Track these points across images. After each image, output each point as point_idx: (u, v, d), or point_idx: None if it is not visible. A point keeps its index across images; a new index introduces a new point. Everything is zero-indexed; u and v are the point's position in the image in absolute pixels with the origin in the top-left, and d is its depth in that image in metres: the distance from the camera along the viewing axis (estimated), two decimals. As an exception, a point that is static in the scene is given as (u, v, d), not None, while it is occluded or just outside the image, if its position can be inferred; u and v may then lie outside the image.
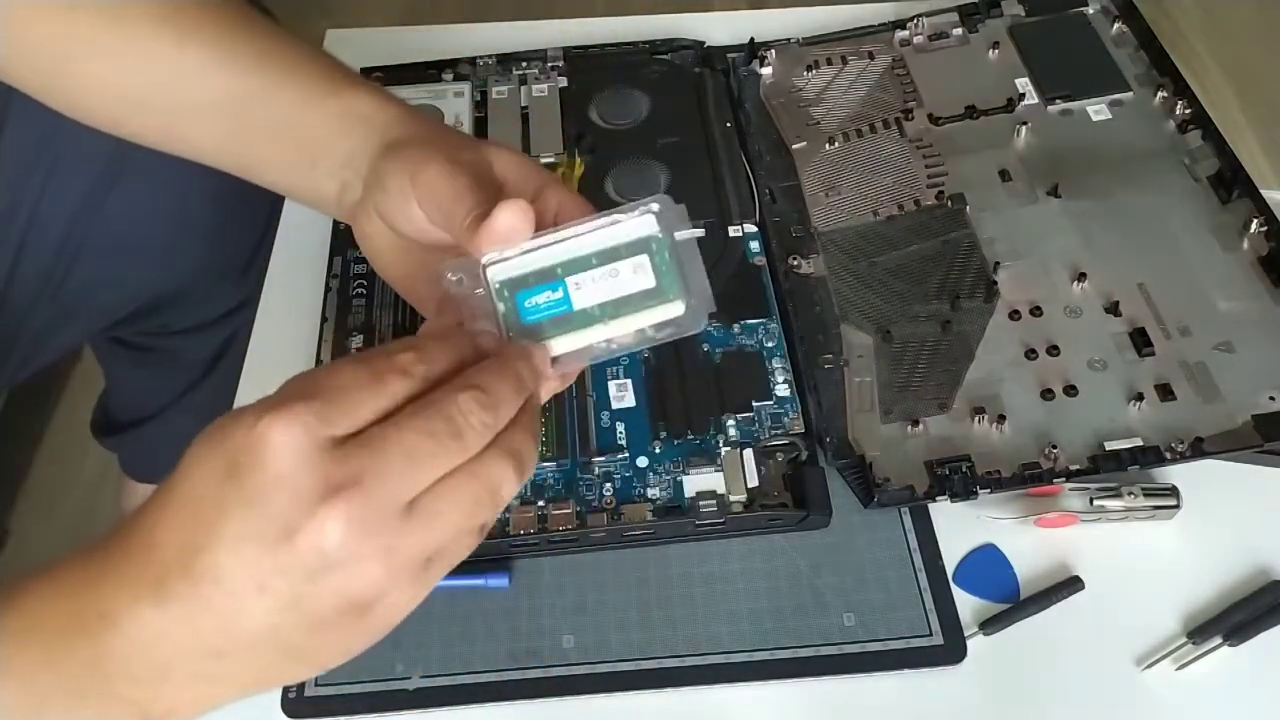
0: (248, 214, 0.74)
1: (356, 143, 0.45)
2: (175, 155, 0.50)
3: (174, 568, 0.31)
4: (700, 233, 0.38)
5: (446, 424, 0.33)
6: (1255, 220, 0.59)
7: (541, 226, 0.39)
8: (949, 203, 0.62)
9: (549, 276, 0.37)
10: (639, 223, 0.37)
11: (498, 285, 0.38)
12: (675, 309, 0.37)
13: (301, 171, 0.47)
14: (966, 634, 0.50)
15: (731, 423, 0.54)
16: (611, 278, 0.37)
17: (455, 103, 0.68)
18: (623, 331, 0.37)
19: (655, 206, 0.38)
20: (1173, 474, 0.53)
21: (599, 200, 0.63)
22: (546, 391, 0.40)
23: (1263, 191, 0.60)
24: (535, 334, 0.37)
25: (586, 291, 0.37)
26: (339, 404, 0.32)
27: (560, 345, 0.38)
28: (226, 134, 0.48)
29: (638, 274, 0.37)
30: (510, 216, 0.37)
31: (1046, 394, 0.55)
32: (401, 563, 0.32)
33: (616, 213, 0.38)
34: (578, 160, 0.65)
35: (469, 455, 0.33)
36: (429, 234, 0.42)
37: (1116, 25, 0.70)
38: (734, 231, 0.62)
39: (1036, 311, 0.58)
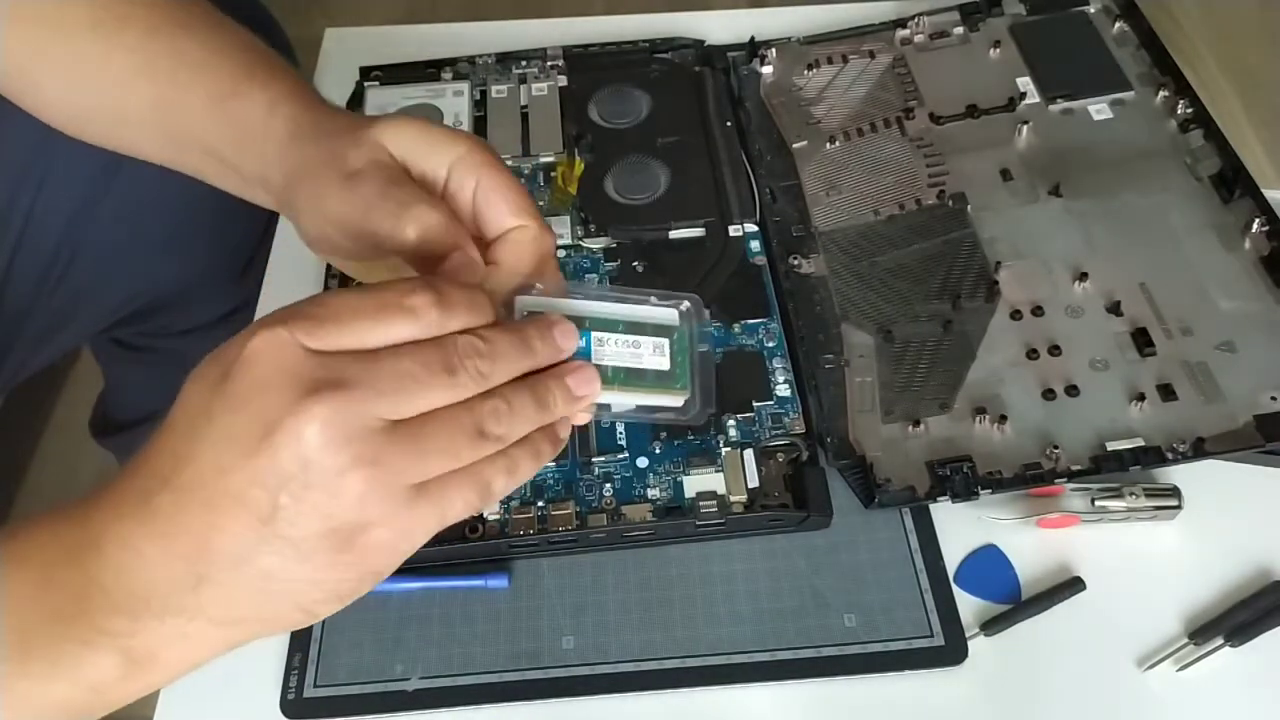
0: (247, 215, 0.74)
1: (256, 157, 0.44)
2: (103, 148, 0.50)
3: (157, 483, 0.31)
4: (710, 347, 0.41)
5: (440, 356, 0.32)
6: (1257, 220, 0.59)
7: (461, 215, 0.39)
8: (950, 202, 0.62)
9: (576, 325, 0.37)
10: (667, 312, 0.40)
11: (524, 314, 0.38)
12: (679, 399, 0.39)
13: (226, 177, 0.46)
14: (968, 635, 0.50)
15: (732, 423, 0.54)
16: (632, 348, 0.38)
17: (455, 101, 0.68)
18: (628, 402, 0.39)
19: (685, 305, 0.40)
20: (1174, 474, 0.53)
21: (599, 200, 0.63)
22: (585, 385, 0.37)
23: (1264, 191, 0.60)
24: None
25: (607, 350, 0.38)
26: (334, 323, 0.31)
27: None
28: (161, 144, 0.48)
29: (656, 355, 0.38)
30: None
31: (1048, 394, 0.54)
32: (385, 483, 0.31)
33: (652, 294, 0.40)
34: (577, 159, 0.65)
35: (459, 396, 0.32)
36: (341, 249, 0.41)
37: (1118, 24, 0.70)
38: (734, 231, 0.62)
39: (1038, 311, 0.58)
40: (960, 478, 0.51)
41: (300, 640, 0.50)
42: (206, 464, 0.31)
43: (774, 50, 0.71)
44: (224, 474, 0.30)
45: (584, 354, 0.37)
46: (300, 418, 0.30)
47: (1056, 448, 0.52)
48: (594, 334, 0.38)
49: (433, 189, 0.40)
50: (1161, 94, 0.66)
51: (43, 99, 0.49)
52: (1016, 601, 0.51)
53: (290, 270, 0.63)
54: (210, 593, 0.31)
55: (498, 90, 0.69)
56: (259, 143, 0.44)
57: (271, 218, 0.66)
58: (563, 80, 0.70)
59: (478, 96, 0.69)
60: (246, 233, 0.75)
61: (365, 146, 0.40)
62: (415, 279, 0.34)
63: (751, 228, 0.62)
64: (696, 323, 0.40)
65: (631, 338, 0.38)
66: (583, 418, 0.38)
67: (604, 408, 0.38)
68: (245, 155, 0.45)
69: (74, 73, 0.47)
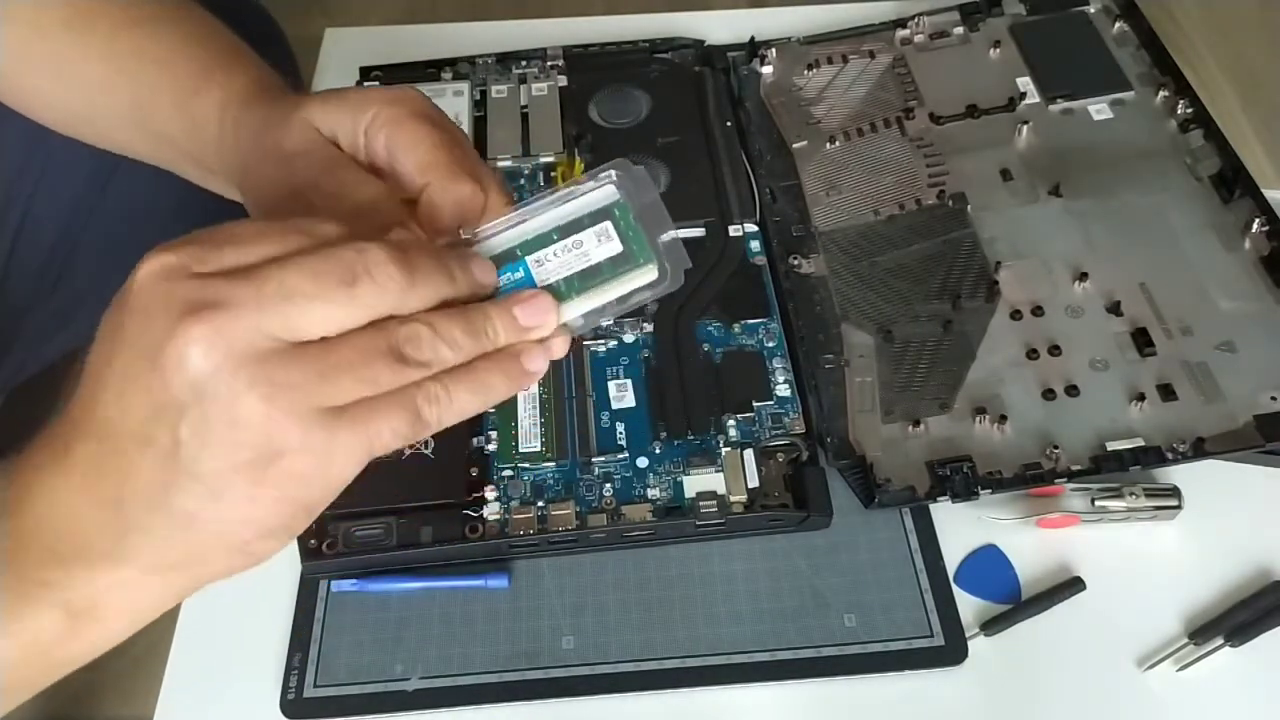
0: (245, 215, 0.74)
1: (214, 158, 0.44)
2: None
3: (74, 432, 0.30)
4: (656, 197, 0.37)
5: (338, 268, 0.29)
6: (1257, 220, 0.59)
7: (389, 180, 0.37)
8: (950, 202, 0.62)
9: (509, 258, 0.36)
10: (600, 192, 0.36)
11: None
12: (648, 273, 0.36)
13: (203, 176, 0.46)
14: (968, 635, 0.50)
15: (732, 423, 0.54)
16: (576, 249, 0.36)
17: (454, 102, 0.68)
18: (598, 303, 0.36)
19: (614, 174, 0.37)
20: (1174, 474, 0.53)
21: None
22: (537, 315, 0.35)
23: (1264, 191, 0.60)
24: None
25: (550, 266, 0.35)
26: (220, 246, 0.30)
27: None
28: (146, 141, 0.48)
29: (604, 242, 0.36)
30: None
31: (1048, 394, 0.54)
32: (289, 406, 0.29)
33: (574, 184, 0.37)
34: (577, 159, 0.65)
35: (362, 312, 0.30)
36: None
37: (1118, 24, 0.70)
38: (734, 231, 0.62)
39: (1038, 311, 0.57)
40: (960, 478, 0.51)
41: (300, 640, 0.50)
42: (111, 407, 0.30)
43: (774, 50, 0.71)
44: (125, 414, 0.29)
45: (529, 282, 0.35)
46: (179, 340, 0.28)
47: (1056, 448, 0.52)
48: (529, 258, 0.35)
49: (358, 154, 0.39)
50: (1161, 94, 0.66)
51: (40, 101, 0.50)
52: (1016, 601, 0.51)
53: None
54: (136, 539, 0.31)
55: (498, 90, 0.69)
56: (215, 143, 0.44)
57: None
58: (563, 80, 0.70)
59: (478, 96, 0.69)
60: None
61: (295, 128, 0.39)
62: (326, 217, 0.32)
63: (751, 228, 0.62)
64: (633, 183, 0.37)
65: (570, 239, 0.36)
66: (560, 347, 0.35)
67: (588, 317, 0.36)
68: (208, 155, 0.44)
69: (59, 74, 0.47)
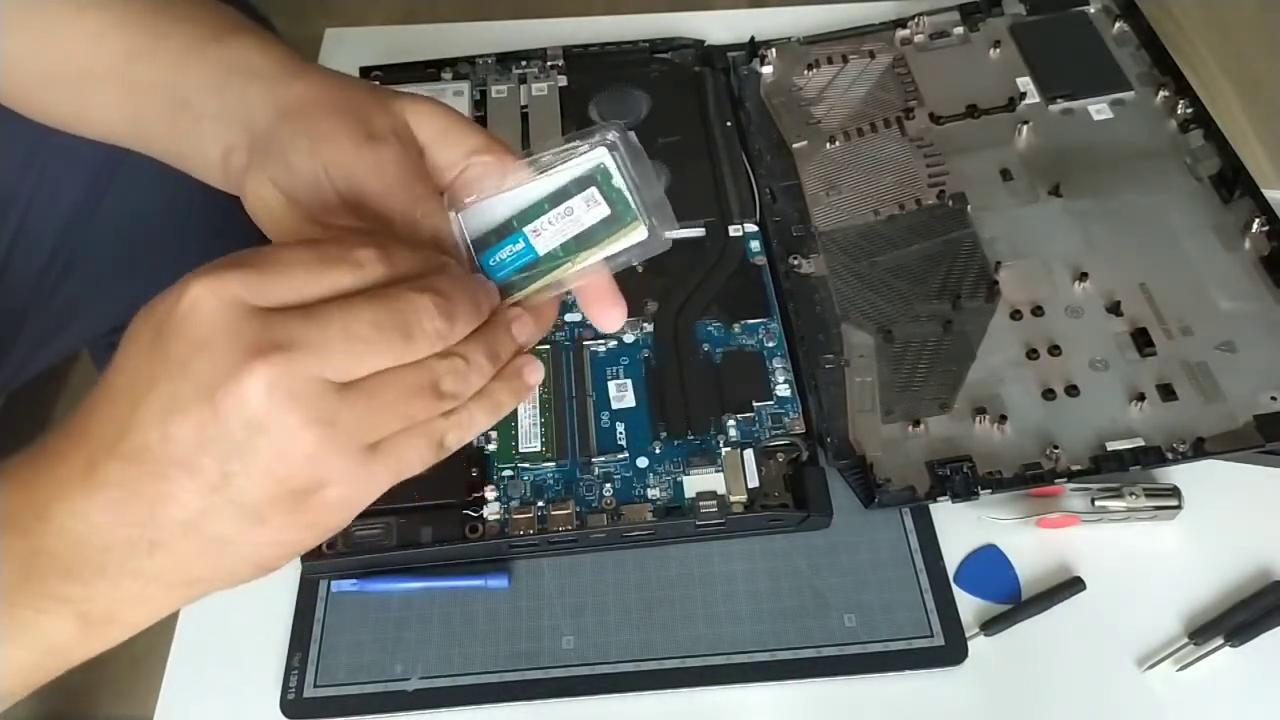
0: (244, 221, 0.74)
1: (236, 96, 0.42)
2: (90, 139, 0.48)
3: (102, 452, 0.30)
4: (645, 159, 0.38)
5: (397, 320, 0.31)
6: (1257, 220, 0.59)
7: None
8: (950, 202, 0.62)
9: (507, 231, 0.37)
10: (589, 157, 0.38)
11: (464, 232, 0.38)
12: (637, 233, 0.37)
13: (185, 131, 0.44)
14: (968, 635, 0.50)
15: (732, 423, 0.54)
16: (567, 216, 0.37)
17: (454, 101, 0.68)
18: (589, 263, 0.37)
19: (608, 135, 0.38)
20: (1174, 474, 0.53)
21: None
22: (527, 329, 0.37)
23: (1264, 191, 0.60)
24: (507, 288, 0.37)
25: (545, 235, 0.37)
26: (274, 276, 0.30)
27: (534, 290, 0.38)
28: (121, 100, 0.46)
29: (592, 206, 0.37)
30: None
31: (1048, 394, 0.54)
32: (338, 445, 0.30)
33: (572, 142, 0.38)
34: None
35: (409, 358, 0.31)
36: (330, 203, 0.39)
37: (1118, 24, 0.70)
38: (734, 231, 0.62)
39: (1038, 311, 0.57)
40: (960, 478, 0.51)
41: (300, 640, 0.50)
42: (152, 432, 0.29)
43: (774, 50, 0.71)
44: (169, 442, 0.29)
45: (530, 254, 0.37)
46: (244, 382, 0.29)
47: (1056, 448, 0.52)
48: (526, 229, 0.37)
49: (440, 176, 0.39)
50: (1161, 94, 0.66)
51: (4, 66, 0.47)
52: (1016, 601, 0.51)
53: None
54: (164, 557, 0.31)
55: (498, 90, 0.69)
56: (243, 81, 0.42)
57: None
58: (563, 80, 0.70)
59: (478, 96, 0.69)
60: (244, 235, 0.74)
61: (390, 115, 0.39)
62: (360, 233, 0.33)
63: (751, 228, 0.62)
64: (624, 146, 0.38)
65: (561, 207, 0.37)
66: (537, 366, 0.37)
67: (584, 275, 0.37)
68: (225, 95, 0.42)
69: (38, 32, 0.46)
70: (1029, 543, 0.53)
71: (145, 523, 0.30)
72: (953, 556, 0.52)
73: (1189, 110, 0.65)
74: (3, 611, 0.31)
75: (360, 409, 0.30)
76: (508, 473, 0.53)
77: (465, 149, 0.39)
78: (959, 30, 0.71)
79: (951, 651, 0.49)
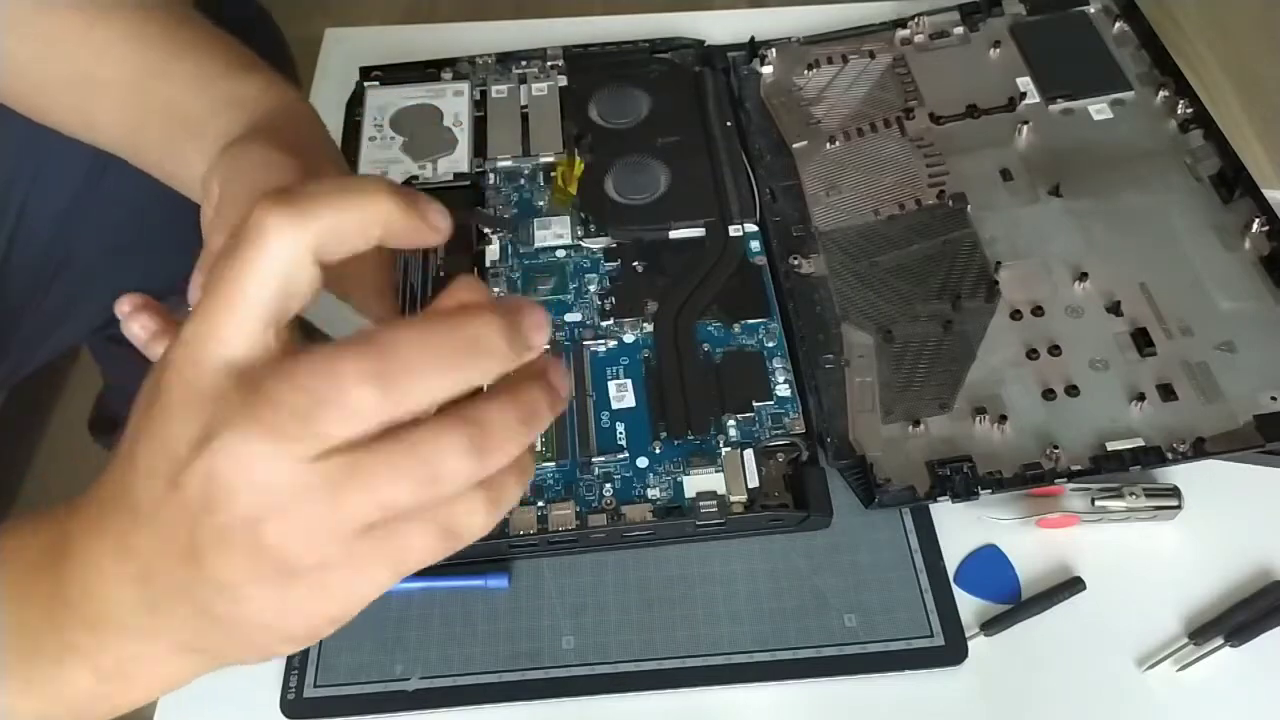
0: None
1: (226, 125, 0.43)
2: (90, 144, 0.50)
3: (109, 501, 0.30)
4: None
5: (423, 469, 0.27)
6: (1257, 220, 0.59)
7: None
8: (950, 202, 0.62)
9: None
10: None
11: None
12: None
13: (178, 148, 0.46)
14: (968, 635, 0.50)
15: (732, 423, 0.54)
16: None
17: (455, 102, 0.68)
18: None
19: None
20: (1174, 474, 0.53)
21: (599, 200, 0.63)
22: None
23: (1264, 191, 0.60)
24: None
25: None
26: (307, 421, 0.26)
27: None
28: (124, 110, 0.47)
29: None
30: None
31: (1048, 394, 0.54)
32: (324, 525, 0.27)
33: None
34: (577, 159, 0.65)
35: (438, 498, 0.27)
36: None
37: (1118, 24, 0.70)
38: (734, 231, 0.62)
39: (1038, 311, 0.57)
40: (960, 478, 0.51)
41: (300, 640, 0.50)
42: (140, 489, 0.28)
43: (774, 50, 0.71)
44: (157, 505, 0.28)
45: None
46: (216, 457, 0.26)
47: (1056, 448, 0.52)
48: None
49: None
50: (1161, 94, 0.66)
51: (7, 69, 0.48)
52: (1016, 601, 0.51)
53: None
54: (165, 618, 0.30)
55: (498, 90, 0.69)
56: (240, 115, 0.44)
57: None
58: (563, 80, 0.70)
59: (478, 96, 0.69)
60: None
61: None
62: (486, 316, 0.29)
63: (751, 228, 0.62)
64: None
65: None
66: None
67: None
68: (219, 123, 0.44)
69: (48, 41, 0.47)
70: (1029, 543, 0.53)
71: (143, 580, 0.29)
72: (953, 556, 0.52)
73: (1189, 110, 0.65)
74: (22, 660, 0.31)
75: (350, 490, 0.27)
76: (508, 473, 0.53)
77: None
78: (959, 30, 0.71)
79: (951, 651, 0.49)
